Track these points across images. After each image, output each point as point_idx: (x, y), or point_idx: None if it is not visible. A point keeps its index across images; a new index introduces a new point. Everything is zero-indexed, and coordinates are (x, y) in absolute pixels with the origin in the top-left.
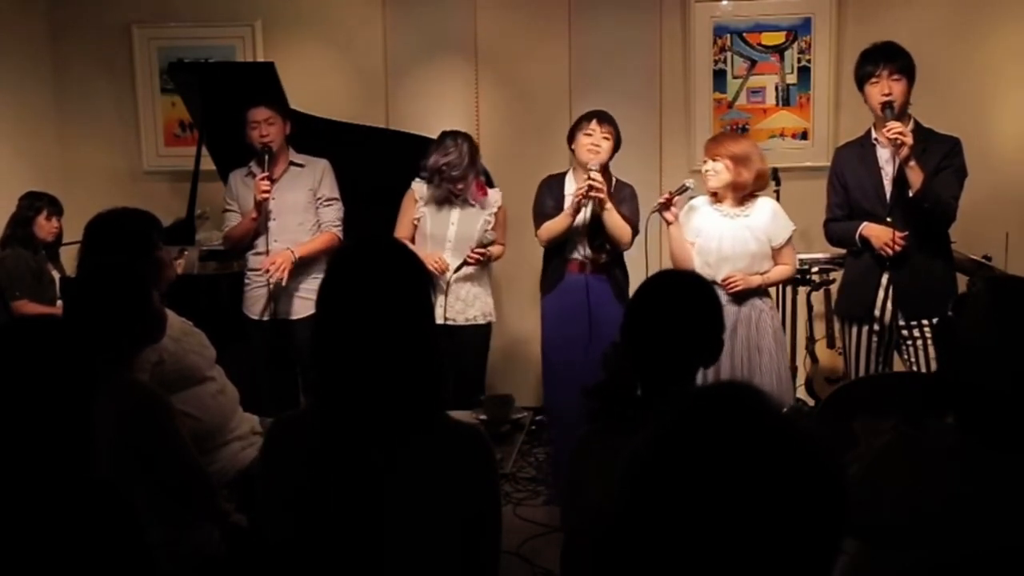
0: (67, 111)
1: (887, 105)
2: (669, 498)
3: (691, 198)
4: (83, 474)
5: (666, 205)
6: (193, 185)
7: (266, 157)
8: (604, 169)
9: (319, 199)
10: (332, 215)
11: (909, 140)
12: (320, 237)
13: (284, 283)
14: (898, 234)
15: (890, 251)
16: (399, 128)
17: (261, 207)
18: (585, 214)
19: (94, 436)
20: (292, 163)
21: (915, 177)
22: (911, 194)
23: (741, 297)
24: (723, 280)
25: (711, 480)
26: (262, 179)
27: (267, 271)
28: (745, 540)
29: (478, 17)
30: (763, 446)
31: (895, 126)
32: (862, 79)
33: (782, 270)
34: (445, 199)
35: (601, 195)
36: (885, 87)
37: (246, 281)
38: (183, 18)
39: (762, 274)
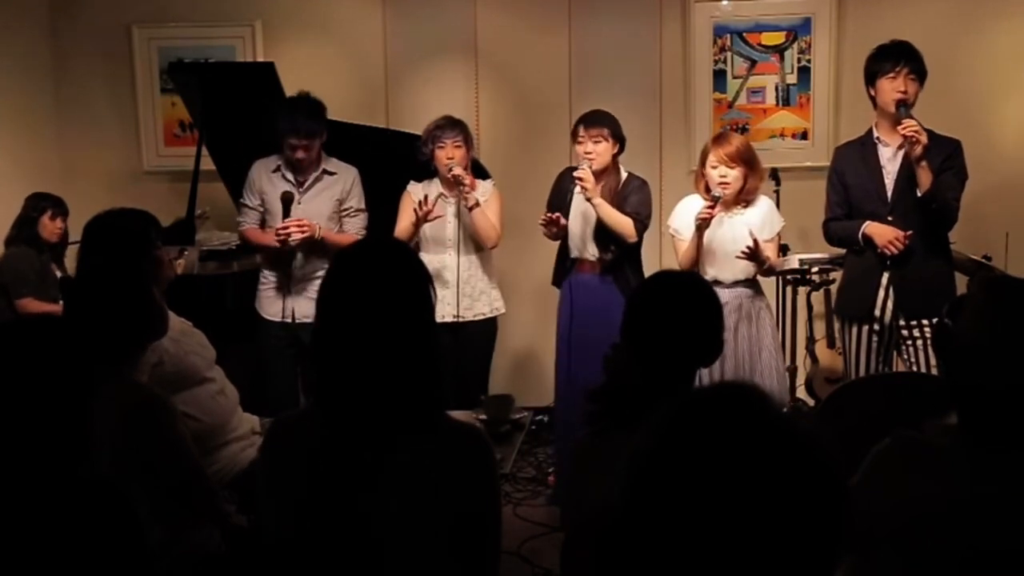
0: (67, 111)
1: (902, 103)
2: (671, 496)
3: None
4: (82, 474)
5: (709, 217)
6: (193, 185)
7: (289, 203)
8: (609, 168)
9: (345, 209)
10: (357, 225)
11: (924, 139)
12: (347, 236)
13: (294, 243)
14: (902, 233)
15: (894, 250)
16: (399, 128)
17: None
18: (585, 211)
19: (94, 436)
20: (325, 171)
21: (925, 177)
22: (920, 194)
23: (743, 294)
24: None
25: (713, 478)
26: (281, 230)
27: (285, 231)
28: (746, 539)
29: (478, 17)
30: (765, 445)
31: (911, 123)
32: (876, 73)
33: (771, 256)
34: (440, 194)
35: (587, 192)
36: (902, 84)
37: (261, 280)
38: (183, 18)
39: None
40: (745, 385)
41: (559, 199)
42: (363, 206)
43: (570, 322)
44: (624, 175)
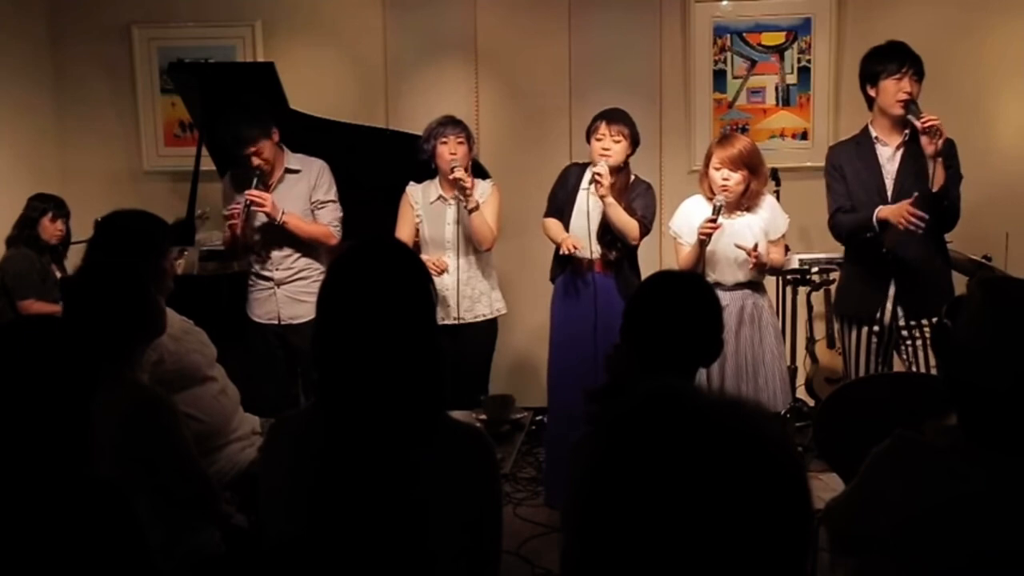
0: (67, 111)
1: (912, 101)
2: (616, 512)
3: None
4: (82, 474)
5: (711, 232)
6: (193, 185)
7: (255, 179)
8: (622, 167)
9: (314, 203)
10: (328, 217)
11: (945, 132)
12: (316, 224)
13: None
14: (915, 211)
15: (911, 222)
16: (399, 128)
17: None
18: (593, 209)
19: (94, 436)
20: (288, 170)
21: (940, 173)
22: (934, 190)
23: (745, 295)
24: (743, 248)
25: (654, 485)
26: (252, 196)
27: (249, 201)
28: (703, 543)
29: (478, 17)
30: (698, 441)
31: (933, 117)
32: (879, 74)
33: (777, 257)
34: (439, 196)
35: (601, 190)
36: (907, 85)
37: (249, 283)
38: (183, 18)
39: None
40: (674, 383)
41: (564, 195)
42: (332, 197)
43: (567, 320)
44: (632, 177)
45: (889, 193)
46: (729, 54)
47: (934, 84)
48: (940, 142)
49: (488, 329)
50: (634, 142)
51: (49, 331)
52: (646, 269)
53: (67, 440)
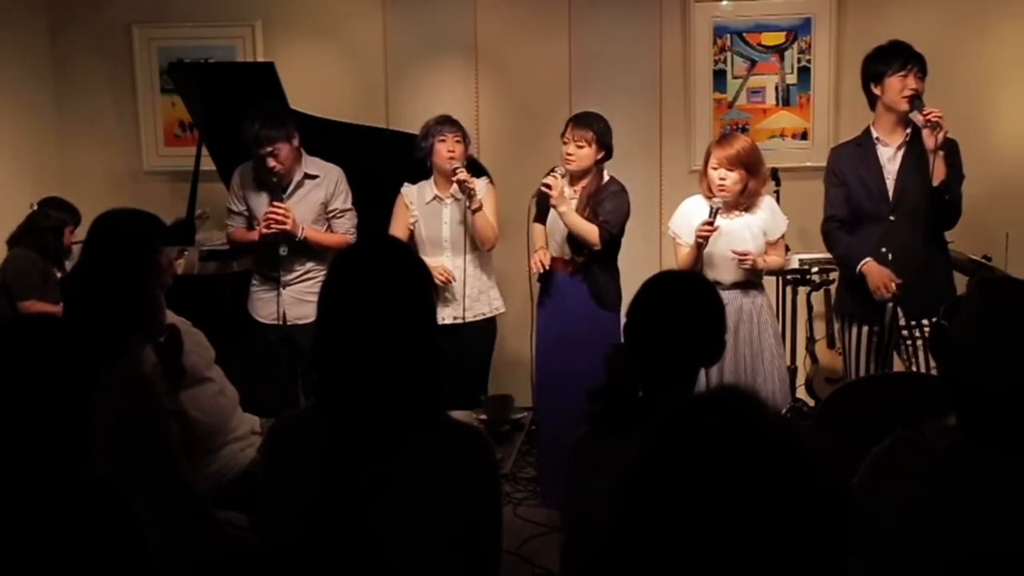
0: (67, 111)
1: (917, 96)
2: (665, 507)
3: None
4: (82, 474)
5: (708, 235)
6: (193, 185)
7: (279, 188)
8: (590, 172)
9: (331, 211)
10: (345, 225)
11: (947, 125)
12: (335, 235)
13: (266, 234)
14: (895, 280)
15: (885, 293)
16: (399, 128)
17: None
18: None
19: (94, 436)
20: (306, 175)
21: (940, 167)
22: (935, 183)
23: (743, 294)
24: (739, 256)
25: (707, 488)
26: (272, 212)
27: (271, 220)
28: (743, 550)
29: (478, 17)
30: (760, 452)
31: (935, 110)
32: (884, 72)
33: (776, 260)
34: (435, 196)
35: (552, 200)
36: (912, 82)
37: (253, 282)
38: (183, 18)
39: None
40: (739, 390)
41: (544, 197)
42: (349, 205)
43: (541, 319)
44: (606, 179)
45: (890, 193)
46: (729, 54)
47: (935, 84)
48: (941, 136)
49: (487, 328)
50: (602, 146)
51: (49, 331)
52: (646, 269)
53: (67, 440)
